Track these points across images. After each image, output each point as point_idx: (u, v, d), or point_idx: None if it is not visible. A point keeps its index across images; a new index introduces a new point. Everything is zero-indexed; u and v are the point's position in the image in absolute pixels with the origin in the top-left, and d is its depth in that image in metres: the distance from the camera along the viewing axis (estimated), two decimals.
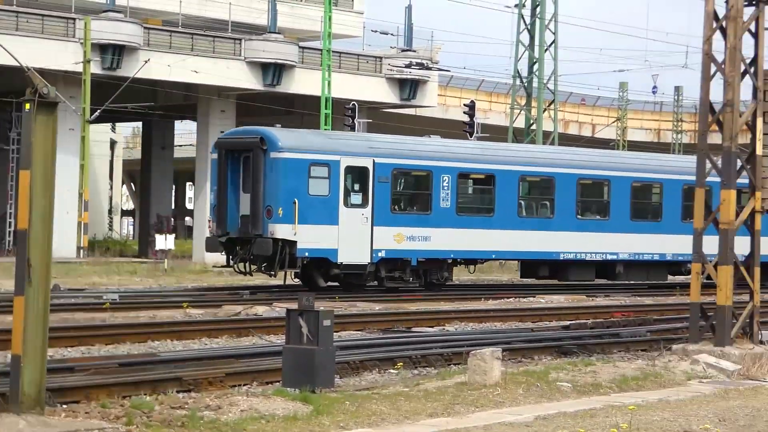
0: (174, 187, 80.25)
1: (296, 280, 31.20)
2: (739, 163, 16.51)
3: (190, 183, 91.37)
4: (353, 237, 29.71)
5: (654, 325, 22.32)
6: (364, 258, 30.03)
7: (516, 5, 50.62)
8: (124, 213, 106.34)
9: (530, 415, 11.76)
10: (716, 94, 16.57)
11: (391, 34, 55.38)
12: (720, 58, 16.51)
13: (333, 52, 51.27)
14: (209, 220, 32.10)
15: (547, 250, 33.40)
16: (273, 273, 29.68)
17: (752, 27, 16.66)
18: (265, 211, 28.94)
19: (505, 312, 26.00)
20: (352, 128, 52.09)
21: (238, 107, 53.92)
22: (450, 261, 32.40)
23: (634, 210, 34.93)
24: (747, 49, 16.63)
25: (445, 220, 31.45)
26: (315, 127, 51.31)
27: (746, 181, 16.82)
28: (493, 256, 34.09)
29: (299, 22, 55.25)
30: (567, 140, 62.97)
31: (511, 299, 30.55)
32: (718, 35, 16.56)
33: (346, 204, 29.89)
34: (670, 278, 37.11)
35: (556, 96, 51.10)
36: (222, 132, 51.58)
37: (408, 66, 53.48)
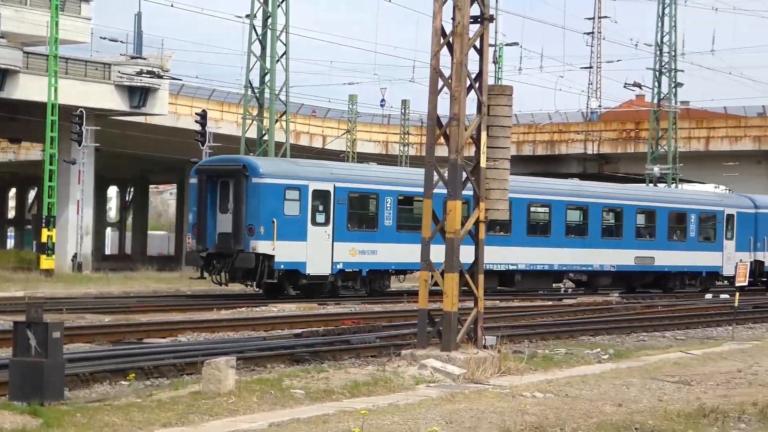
0: None
1: (259, 290, 35.40)
2: (465, 174, 17.15)
3: None
4: (318, 251, 34.36)
5: (383, 332, 22.83)
6: (326, 270, 34.73)
7: (247, 15, 50.70)
8: None
9: (264, 422, 11.84)
10: (443, 108, 17.16)
11: (121, 41, 54.44)
12: (447, 73, 17.10)
13: (60, 57, 49.94)
14: (188, 237, 35.97)
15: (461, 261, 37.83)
16: (251, 284, 34.77)
17: (477, 44, 17.33)
18: (247, 229, 33.32)
19: (237, 321, 26.02)
20: (80, 136, 50.89)
21: None
22: (391, 271, 37.73)
23: (529, 227, 40.68)
24: (473, 64, 17.30)
25: (388, 236, 36.50)
26: (41, 134, 49.94)
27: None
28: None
29: (24, 26, 53.48)
30: (298, 151, 63.48)
31: (243, 309, 30.58)
32: (445, 51, 17.14)
33: (313, 223, 34.46)
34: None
35: (288, 107, 51.33)
36: None
37: (138, 74, 52.63)
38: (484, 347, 17.39)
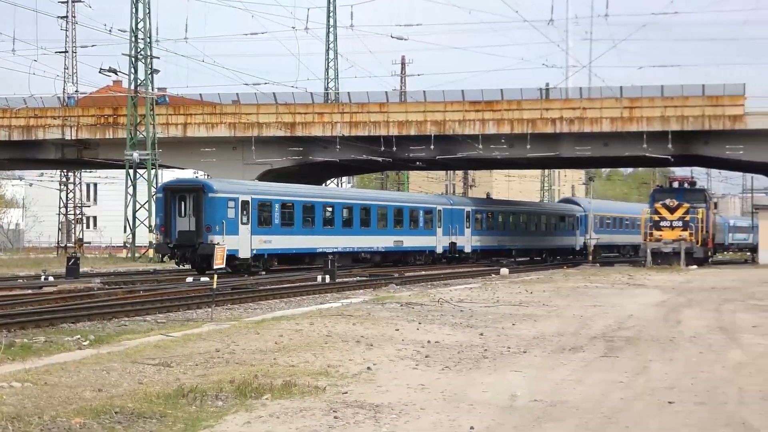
0: None
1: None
2: None
3: None
4: (244, 242, 48.31)
5: None
6: (248, 254, 48.51)
7: None
8: None
9: None
10: None
11: None
12: None
13: None
14: (156, 234, 49.49)
15: (312, 247, 53.78)
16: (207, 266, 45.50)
17: None
18: (206, 228, 46.69)
19: None
20: None
21: None
22: (278, 255, 51.76)
23: (342, 222, 56.44)
24: None
25: (277, 231, 50.77)
26: None
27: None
28: (294, 251, 52.50)
29: None
30: None
31: None
32: None
33: (241, 222, 48.12)
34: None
35: None
36: None
37: None
38: None
